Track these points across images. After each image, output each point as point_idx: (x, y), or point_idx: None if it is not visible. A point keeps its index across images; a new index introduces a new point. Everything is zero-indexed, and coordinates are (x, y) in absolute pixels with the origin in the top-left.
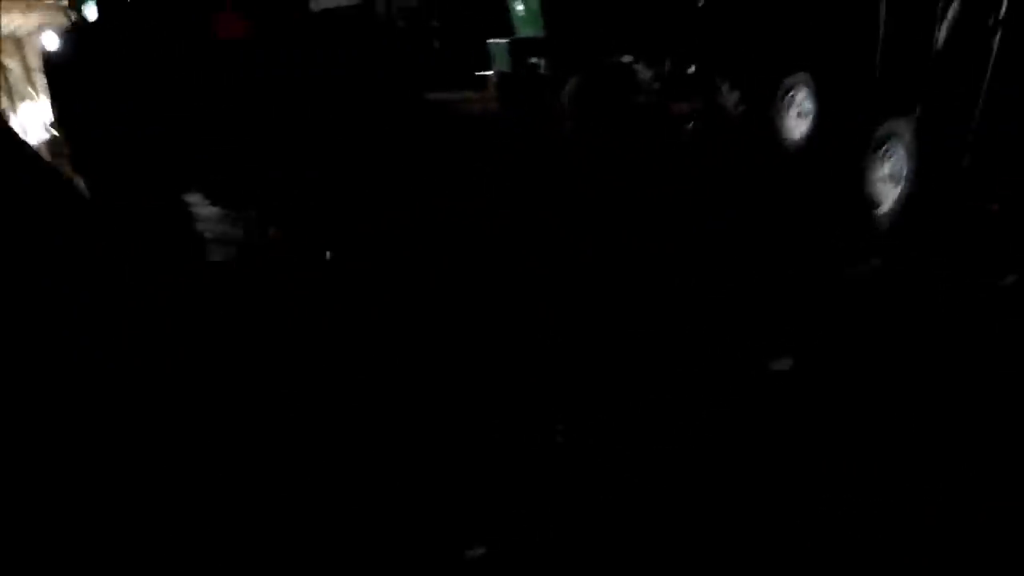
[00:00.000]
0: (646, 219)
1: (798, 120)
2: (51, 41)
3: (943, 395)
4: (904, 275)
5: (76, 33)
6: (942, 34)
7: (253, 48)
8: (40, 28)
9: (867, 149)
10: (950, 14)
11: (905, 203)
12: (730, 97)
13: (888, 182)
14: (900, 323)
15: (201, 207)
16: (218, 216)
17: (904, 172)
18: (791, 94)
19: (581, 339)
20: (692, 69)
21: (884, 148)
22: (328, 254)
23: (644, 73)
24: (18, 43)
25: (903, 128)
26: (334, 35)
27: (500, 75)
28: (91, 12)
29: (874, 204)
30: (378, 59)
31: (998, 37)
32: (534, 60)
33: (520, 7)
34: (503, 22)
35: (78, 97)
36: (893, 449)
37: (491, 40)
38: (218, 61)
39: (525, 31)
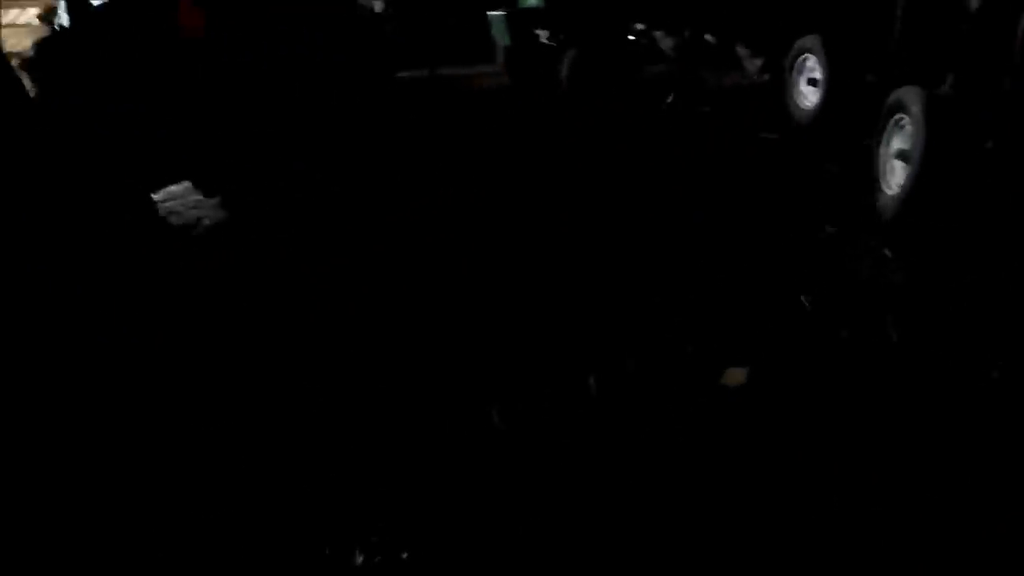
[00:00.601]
0: (627, 205)
1: (808, 88)
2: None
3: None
4: (913, 270)
5: (50, 39)
6: None
7: (222, 39)
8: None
9: (877, 122)
10: None
11: (914, 186)
12: (752, 65)
13: (897, 160)
14: (901, 328)
15: (185, 195)
16: (205, 203)
17: (914, 150)
18: (801, 59)
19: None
20: (710, 37)
21: (893, 121)
22: None
23: (664, 42)
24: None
25: (913, 98)
26: (307, 19)
27: (506, 48)
28: (64, 20)
29: (882, 185)
30: (358, 41)
31: None
32: (537, 32)
33: None
34: None
35: (53, 100)
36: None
37: (489, 12)
38: (186, 55)
39: (526, 1)
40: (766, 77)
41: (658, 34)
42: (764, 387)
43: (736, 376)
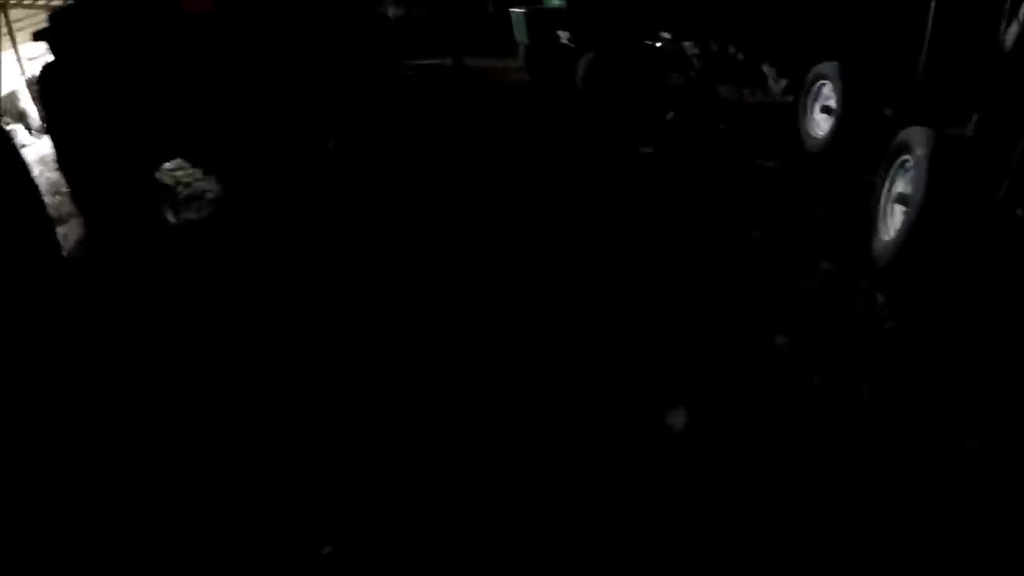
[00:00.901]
0: (607, 222)
1: (822, 117)
2: None
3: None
4: (904, 321)
5: (66, 10)
6: (1012, 32)
7: (228, 16)
8: None
9: (883, 161)
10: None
11: (910, 235)
12: (776, 85)
13: (898, 204)
14: (876, 383)
15: (180, 169)
16: (197, 175)
17: (914, 196)
18: (818, 85)
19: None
20: (734, 51)
21: (899, 162)
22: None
23: (693, 53)
24: None
25: (919, 140)
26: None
27: (527, 46)
28: None
29: (879, 228)
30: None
31: None
32: (558, 32)
33: None
34: None
35: (59, 69)
36: None
37: (512, 9)
38: (191, 33)
39: (549, 1)
40: (789, 99)
41: (687, 44)
42: (709, 430)
43: (679, 417)
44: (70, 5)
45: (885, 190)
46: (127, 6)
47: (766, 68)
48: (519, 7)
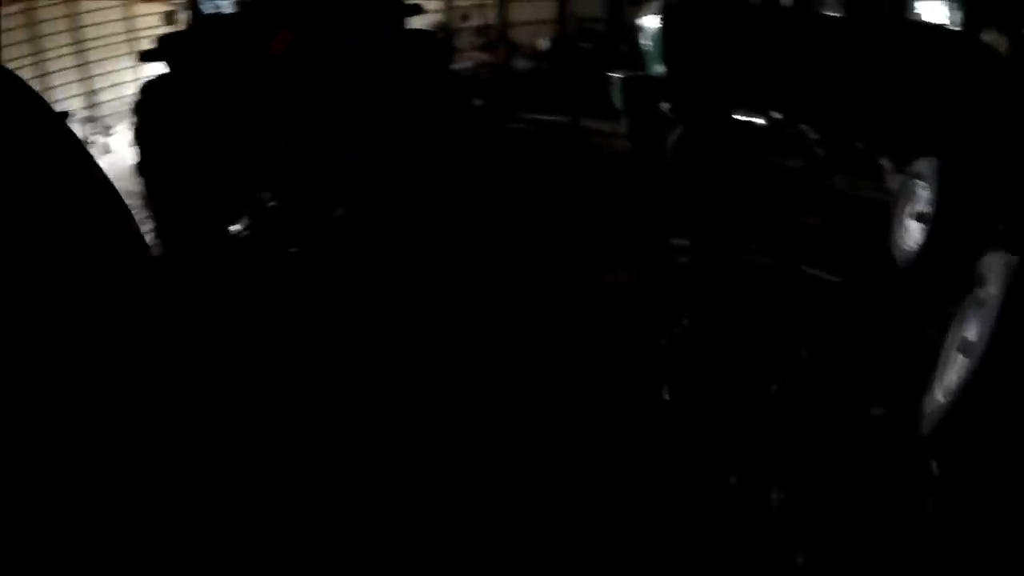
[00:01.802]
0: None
1: (913, 224)
2: None
3: None
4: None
5: (177, 34)
6: None
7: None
8: None
9: (967, 292)
10: None
11: (960, 400)
12: (894, 180)
13: (962, 352)
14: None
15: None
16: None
17: (976, 346)
18: (913, 186)
19: None
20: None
21: (976, 298)
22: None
23: (811, 135)
24: None
25: (996, 271)
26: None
27: (625, 112)
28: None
29: (935, 379)
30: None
31: None
32: (659, 102)
33: (646, 42)
34: None
35: (174, 82)
36: None
37: (611, 73)
38: (275, 68)
39: (651, 68)
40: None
41: (806, 127)
42: None
43: None
44: (180, 32)
45: (953, 331)
46: (227, 42)
47: (883, 161)
48: (618, 72)
